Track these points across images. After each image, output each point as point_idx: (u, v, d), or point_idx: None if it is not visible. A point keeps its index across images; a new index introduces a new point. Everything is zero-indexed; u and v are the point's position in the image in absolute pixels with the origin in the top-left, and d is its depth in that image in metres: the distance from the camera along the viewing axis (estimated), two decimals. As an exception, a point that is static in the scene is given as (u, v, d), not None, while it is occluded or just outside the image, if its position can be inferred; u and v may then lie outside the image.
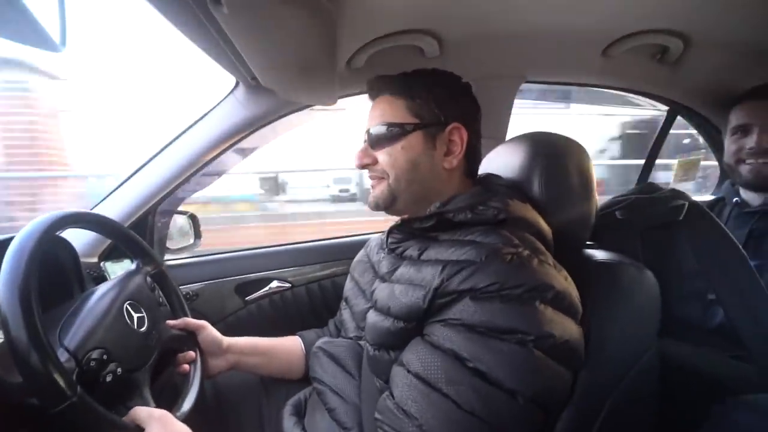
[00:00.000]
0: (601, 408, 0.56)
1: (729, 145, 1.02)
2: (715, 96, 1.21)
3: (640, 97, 1.30)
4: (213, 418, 0.81)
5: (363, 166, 0.70)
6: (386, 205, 0.69)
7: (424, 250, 0.62)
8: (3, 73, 4.55)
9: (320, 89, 0.97)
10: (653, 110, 1.43)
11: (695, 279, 0.92)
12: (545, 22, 0.87)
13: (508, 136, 1.14)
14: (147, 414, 0.57)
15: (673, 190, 0.79)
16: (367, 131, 0.69)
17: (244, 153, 1.24)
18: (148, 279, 0.77)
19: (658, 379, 0.61)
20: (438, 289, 0.53)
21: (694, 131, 1.44)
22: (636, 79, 1.17)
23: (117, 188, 1.04)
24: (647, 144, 1.46)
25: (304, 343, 0.89)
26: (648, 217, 0.78)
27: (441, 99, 0.66)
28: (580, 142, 0.68)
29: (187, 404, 0.68)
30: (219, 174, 1.26)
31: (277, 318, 1.20)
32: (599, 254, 0.64)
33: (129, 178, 1.04)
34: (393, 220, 0.72)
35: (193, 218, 1.17)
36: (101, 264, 1.00)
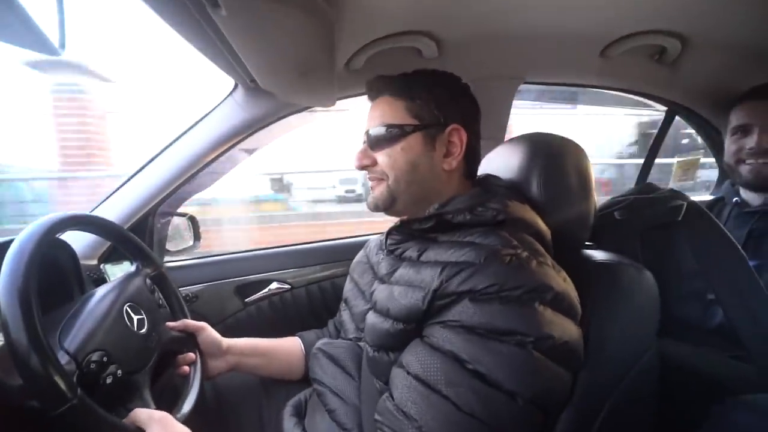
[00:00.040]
0: (601, 408, 0.56)
1: (729, 145, 1.02)
2: (713, 96, 1.21)
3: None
4: (213, 419, 0.81)
5: (362, 167, 0.69)
6: (385, 206, 0.69)
7: (423, 252, 0.62)
8: (59, 76, 4.72)
9: (319, 91, 0.97)
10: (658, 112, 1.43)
11: (694, 279, 0.92)
12: (543, 23, 0.87)
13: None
14: (147, 416, 0.57)
15: (672, 191, 0.79)
16: (367, 132, 0.69)
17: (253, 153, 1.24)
18: (148, 281, 0.77)
19: (658, 379, 0.61)
20: (437, 290, 0.53)
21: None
22: (634, 80, 1.18)
23: (116, 190, 1.04)
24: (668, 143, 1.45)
25: (303, 344, 0.89)
26: (647, 217, 0.78)
27: (441, 100, 0.66)
28: (578, 142, 0.68)
29: (188, 406, 0.68)
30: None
31: (276, 320, 1.20)
32: (598, 255, 0.65)
33: (128, 180, 1.04)
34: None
35: (192, 220, 1.17)
36: (101, 266, 1.00)
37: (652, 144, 1.43)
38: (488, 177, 0.71)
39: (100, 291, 0.69)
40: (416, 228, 0.64)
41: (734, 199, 1.02)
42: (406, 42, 0.90)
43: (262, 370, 0.86)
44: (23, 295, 0.50)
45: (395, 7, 0.78)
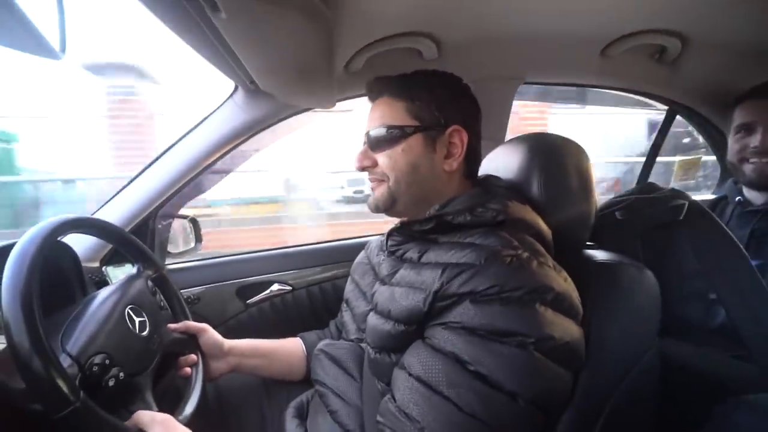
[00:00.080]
0: (602, 408, 0.56)
1: (732, 143, 1.01)
2: (714, 95, 1.21)
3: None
4: (215, 420, 0.81)
5: (363, 169, 0.69)
6: (386, 207, 0.69)
7: (423, 253, 0.62)
8: (113, 78, 4.83)
9: (319, 92, 0.97)
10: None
11: (696, 279, 0.91)
12: (543, 24, 0.87)
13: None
14: (150, 418, 0.57)
15: (673, 190, 0.79)
16: (367, 133, 0.69)
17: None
18: (150, 283, 0.78)
19: (659, 379, 0.61)
20: (438, 292, 0.53)
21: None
22: (635, 79, 1.18)
23: (118, 193, 1.04)
24: (679, 142, 1.45)
25: (305, 345, 0.89)
26: (648, 217, 0.78)
27: (442, 101, 0.66)
28: (579, 143, 0.68)
29: (190, 407, 0.68)
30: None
31: (278, 321, 1.20)
32: (599, 254, 0.64)
33: (130, 182, 1.05)
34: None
35: (193, 222, 1.18)
36: (103, 268, 1.00)
37: (653, 143, 1.43)
38: (489, 177, 0.70)
39: (102, 293, 0.69)
40: (416, 229, 0.64)
41: (737, 198, 1.02)
42: (405, 43, 0.90)
43: (264, 371, 0.86)
44: (25, 298, 0.50)
45: (395, 8, 0.78)
